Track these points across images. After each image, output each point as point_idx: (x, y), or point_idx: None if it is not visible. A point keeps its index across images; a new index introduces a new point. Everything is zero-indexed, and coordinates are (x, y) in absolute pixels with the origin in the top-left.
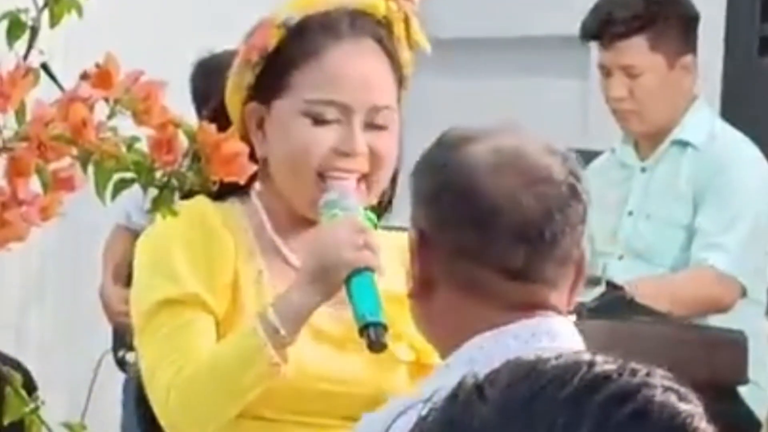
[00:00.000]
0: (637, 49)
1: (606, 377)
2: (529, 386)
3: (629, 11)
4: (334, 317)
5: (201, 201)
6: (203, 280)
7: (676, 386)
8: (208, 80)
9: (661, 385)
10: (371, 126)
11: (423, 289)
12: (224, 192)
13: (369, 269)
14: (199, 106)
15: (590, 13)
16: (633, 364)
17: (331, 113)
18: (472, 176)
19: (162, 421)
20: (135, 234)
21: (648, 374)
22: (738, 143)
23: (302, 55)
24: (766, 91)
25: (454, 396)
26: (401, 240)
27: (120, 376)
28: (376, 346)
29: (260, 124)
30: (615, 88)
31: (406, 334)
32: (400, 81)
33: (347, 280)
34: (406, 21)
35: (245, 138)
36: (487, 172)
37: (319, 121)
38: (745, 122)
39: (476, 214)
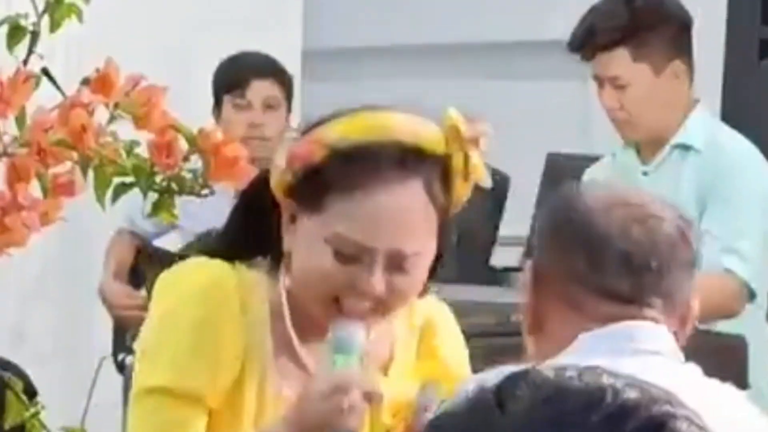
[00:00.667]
0: (619, 61)
1: (634, 407)
2: (556, 410)
3: (610, 23)
4: None
5: (225, 274)
6: (206, 369)
7: (695, 418)
8: (228, 77)
9: (684, 417)
10: (396, 267)
11: (535, 323)
12: (252, 247)
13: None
14: (218, 102)
15: (576, 26)
16: (654, 390)
17: (354, 250)
18: (588, 212)
19: None
20: (139, 237)
21: (669, 403)
22: (739, 146)
23: (341, 185)
24: (767, 93)
25: (473, 406)
26: (425, 309)
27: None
28: None
29: (293, 220)
30: (607, 98)
31: None
32: (445, 215)
33: None
34: (466, 156)
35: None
36: (601, 208)
37: (341, 254)
38: (746, 125)
39: (588, 242)
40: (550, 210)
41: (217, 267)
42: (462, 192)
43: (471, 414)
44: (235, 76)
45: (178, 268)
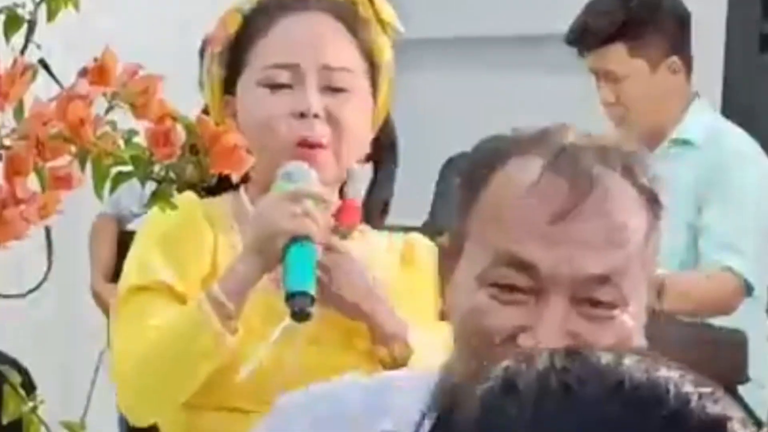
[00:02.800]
0: (615, 56)
1: (695, 405)
2: (622, 405)
3: (605, 19)
4: (327, 320)
5: (186, 196)
6: (175, 270)
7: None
8: None
9: (738, 419)
10: (329, 89)
11: None
12: (218, 188)
13: (308, 238)
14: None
15: (573, 21)
16: (707, 385)
17: (284, 77)
18: None
19: (120, 405)
20: (120, 222)
21: (724, 402)
22: (739, 141)
23: (255, 34)
24: (767, 88)
25: (542, 393)
26: (402, 242)
27: None
28: (299, 315)
29: (235, 116)
30: (604, 93)
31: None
32: (372, 63)
33: (285, 249)
34: (373, 3)
35: None
36: None
37: (274, 88)
38: (746, 119)
39: None
40: None
41: (183, 196)
42: (382, 43)
43: (538, 396)
44: None
45: None
